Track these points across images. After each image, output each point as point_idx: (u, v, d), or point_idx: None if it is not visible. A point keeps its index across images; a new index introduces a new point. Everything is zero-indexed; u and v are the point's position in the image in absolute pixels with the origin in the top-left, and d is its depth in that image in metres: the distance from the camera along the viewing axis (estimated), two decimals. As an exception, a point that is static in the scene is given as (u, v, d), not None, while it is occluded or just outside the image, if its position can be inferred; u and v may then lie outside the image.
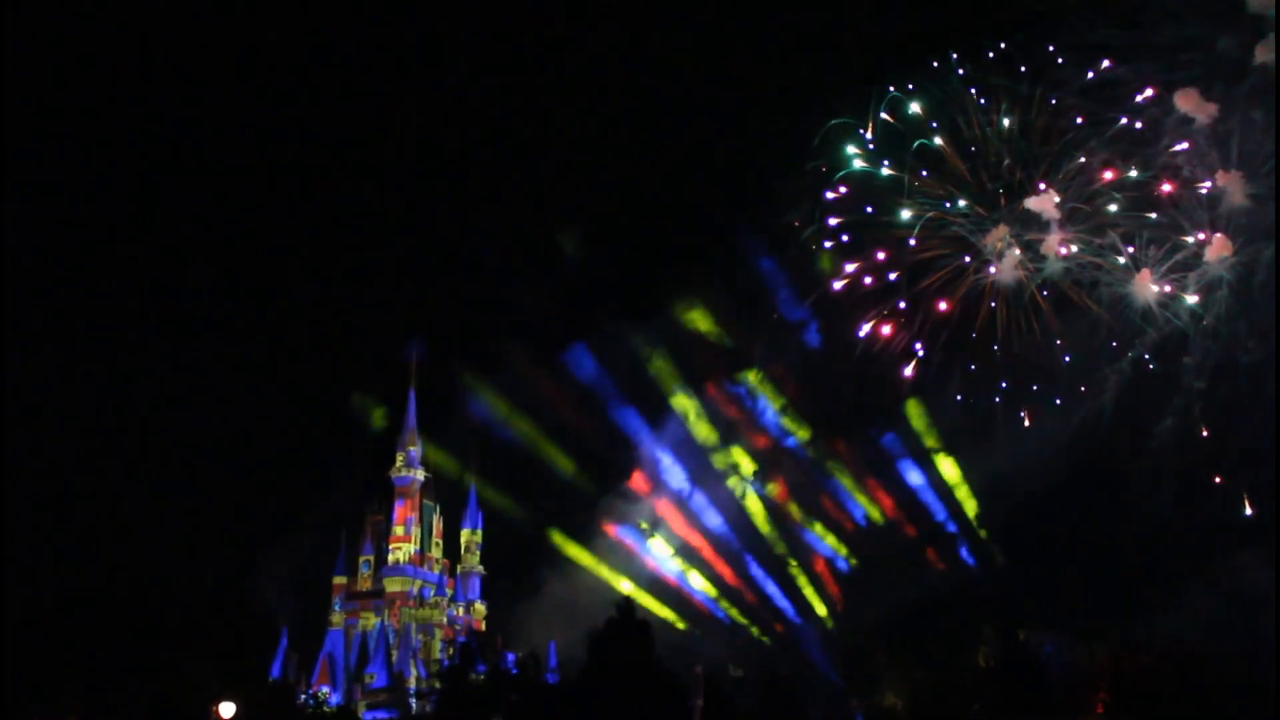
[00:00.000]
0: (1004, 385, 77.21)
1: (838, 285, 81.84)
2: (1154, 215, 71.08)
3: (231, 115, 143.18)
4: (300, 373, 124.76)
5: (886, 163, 77.80)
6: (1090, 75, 71.22)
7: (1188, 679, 76.57)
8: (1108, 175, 71.69)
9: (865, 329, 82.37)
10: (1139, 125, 70.97)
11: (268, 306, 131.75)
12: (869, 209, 78.41)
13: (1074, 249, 73.99)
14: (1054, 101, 71.93)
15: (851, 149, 77.39)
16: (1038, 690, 79.65)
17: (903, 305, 78.83)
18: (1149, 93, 70.14)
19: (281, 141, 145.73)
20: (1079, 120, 71.97)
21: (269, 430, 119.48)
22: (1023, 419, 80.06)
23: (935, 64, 75.34)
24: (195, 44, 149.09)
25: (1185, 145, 70.10)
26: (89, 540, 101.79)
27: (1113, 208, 72.19)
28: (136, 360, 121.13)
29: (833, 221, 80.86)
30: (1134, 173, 70.84)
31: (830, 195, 79.98)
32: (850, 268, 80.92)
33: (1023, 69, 72.41)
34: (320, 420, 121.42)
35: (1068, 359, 75.89)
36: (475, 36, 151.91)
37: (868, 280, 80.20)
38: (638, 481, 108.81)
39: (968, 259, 76.94)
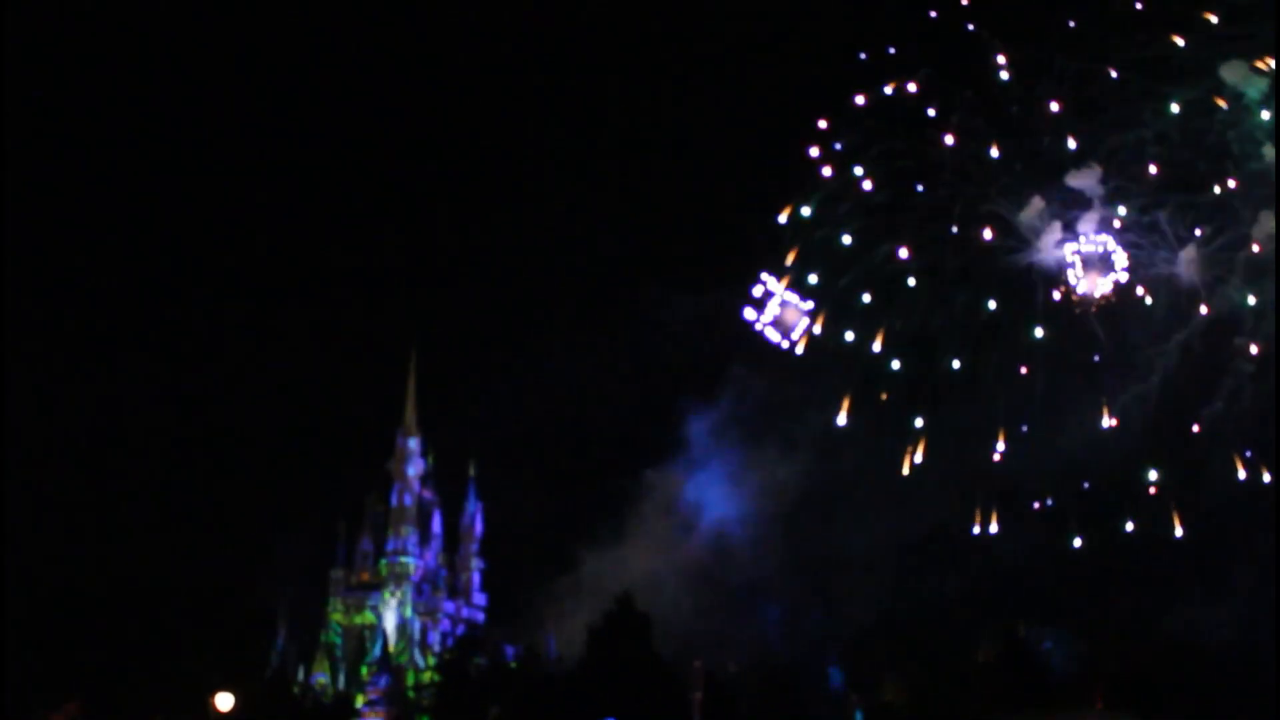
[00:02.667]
0: (1039, 374, 74.35)
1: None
2: (1201, 193, 68.87)
3: (231, 114, 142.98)
4: (298, 363, 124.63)
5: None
6: (1136, 47, 68.77)
7: (1189, 675, 76.44)
8: (1154, 151, 69.30)
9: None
10: (1184, 100, 68.41)
11: (266, 300, 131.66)
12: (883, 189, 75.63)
13: (1117, 227, 71.48)
14: (1100, 74, 69.50)
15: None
16: (1038, 686, 79.58)
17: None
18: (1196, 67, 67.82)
19: (279, 139, 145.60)
20: (1121, 93, 69.47)
21: (266, 422, 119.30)
22: (1060, 409, 77.28)
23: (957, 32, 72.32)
24: (195, 44, 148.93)
25: (1232, 121, 67.90)
26: (86, 532, 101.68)
27: (1158, 185, 69.70)
28: (134, 355, 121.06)
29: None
30: (1180, 149, 68.61)
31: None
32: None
33: (1062, 41, 69.82)
34: (318, 411, 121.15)
35: (1103, 351, 72.96)
36: (475, 37, 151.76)
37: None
38: (644, 475, 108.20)
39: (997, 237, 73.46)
